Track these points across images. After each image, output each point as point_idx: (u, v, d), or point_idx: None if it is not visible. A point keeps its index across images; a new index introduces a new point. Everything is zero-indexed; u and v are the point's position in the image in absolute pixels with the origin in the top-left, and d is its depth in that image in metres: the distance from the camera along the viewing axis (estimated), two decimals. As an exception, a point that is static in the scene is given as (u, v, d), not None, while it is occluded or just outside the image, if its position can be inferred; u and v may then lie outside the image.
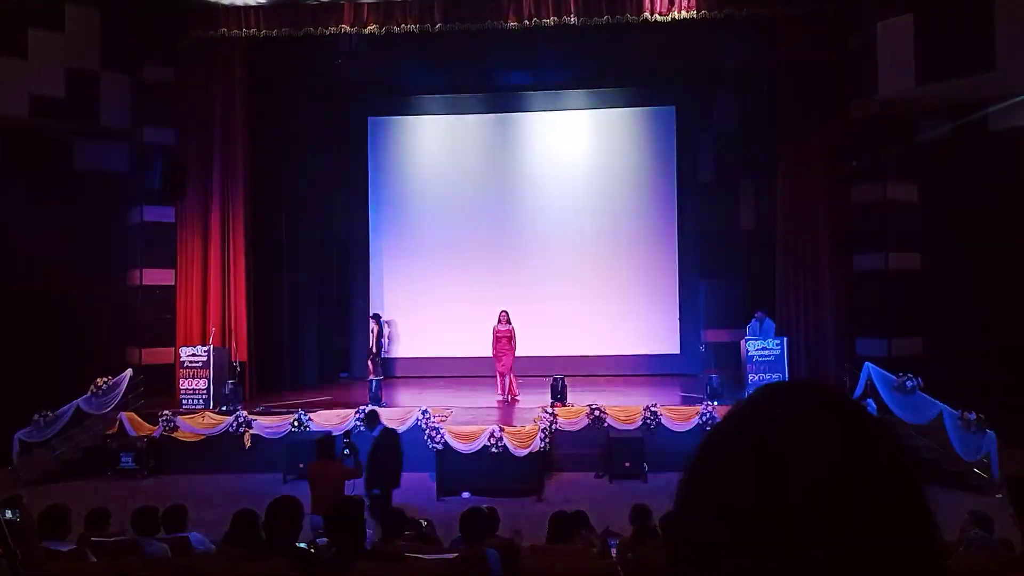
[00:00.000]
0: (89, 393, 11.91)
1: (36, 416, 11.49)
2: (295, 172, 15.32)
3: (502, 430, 10.50)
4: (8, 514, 4.43)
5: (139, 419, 11.88)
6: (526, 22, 12.54)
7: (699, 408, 11.34)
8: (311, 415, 11.63)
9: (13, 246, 12.96)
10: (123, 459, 11.45)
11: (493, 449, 10.36)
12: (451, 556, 4.56)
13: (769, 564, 0.63)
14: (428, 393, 13.50)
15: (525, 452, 10.37)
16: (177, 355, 12.69)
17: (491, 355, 12.89)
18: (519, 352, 12.83)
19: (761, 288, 13.91)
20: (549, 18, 12.49)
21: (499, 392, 12.81)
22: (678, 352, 16.05)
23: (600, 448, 11.15)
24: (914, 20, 11.46)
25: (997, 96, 11.14)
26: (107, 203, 13.87)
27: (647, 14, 12.30)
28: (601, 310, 16.09)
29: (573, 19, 12.47)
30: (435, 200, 16.81)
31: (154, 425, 11.77)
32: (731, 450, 0.69)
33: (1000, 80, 10.82)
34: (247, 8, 12.90)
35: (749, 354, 12.03)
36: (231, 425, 11.68)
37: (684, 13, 12.29)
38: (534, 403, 11.93)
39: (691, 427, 11.12)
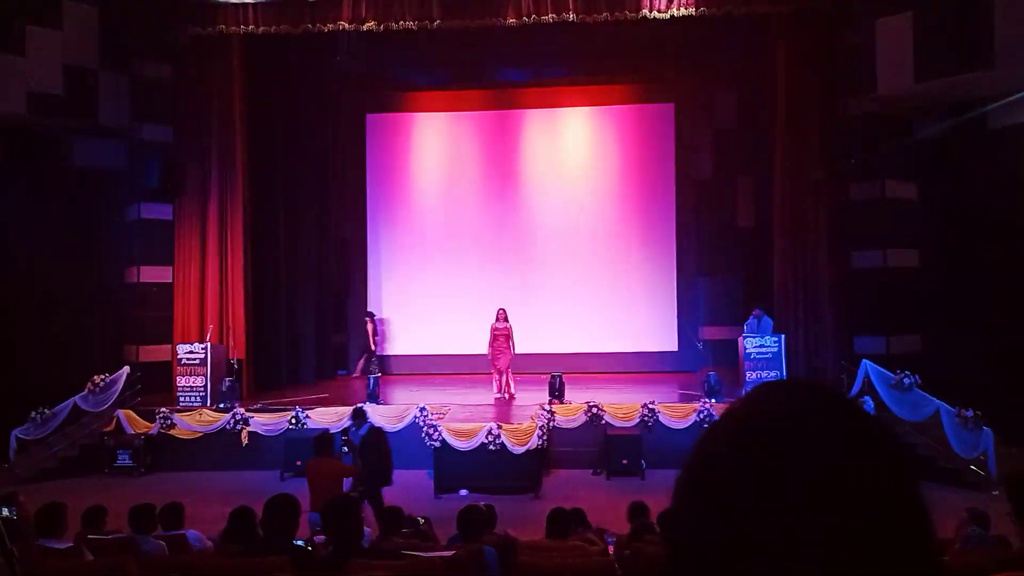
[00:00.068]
0: (86, 390, 11.89)
1: (33, 413, 11.47)
2: (293, 169, 15.31)
3: (500, 427, 10.50)
4: (5, 512, 4.43)
5: (136, 416, 11.88)
6: (525, 19, 12.52)
7: (697, 405, 11.35)
8: (308, 412, 11.63)
9: (10, 243, 12.95)
10: (120, 456, 11.44)
11: (491, 446, 10.36)
12: (448, 553, 4.56)
13: (766, 563, 0.62)
14: (426, 390, 13.51)
15: (523, 449, 10.37)
16: (174, 352, 12.67)
17: (487, 353, 12.84)
18: (517, 350, 12.81)
19: (759, 285, 13.93)
20: (548, 15, 12.46)
21: (496, 390, 12.81)
22: (676, 349, 16.07)
23: (598, 445, 11.16)
24: (913, 17, 11.47)
25: (996, 94, 11.13)
26: (104, 200, 13.86)
27: (646, 11, 12.28)
28: (599, 307, 16.10)
29: (572, 16, 12.44)
30: (433, 197, 16.81)
31: (151, 422, 11.77)
32: (728, 448, 0.69)
33: (999, 77, 10.82)
34: (245, 5, 12.87)
35: (747, 351, 12.04)
36: (228, 422, 11.67)
37: (683, 10, 12.27)
38: (532, 400, 11.94)
39: (688, 424, 11.14)
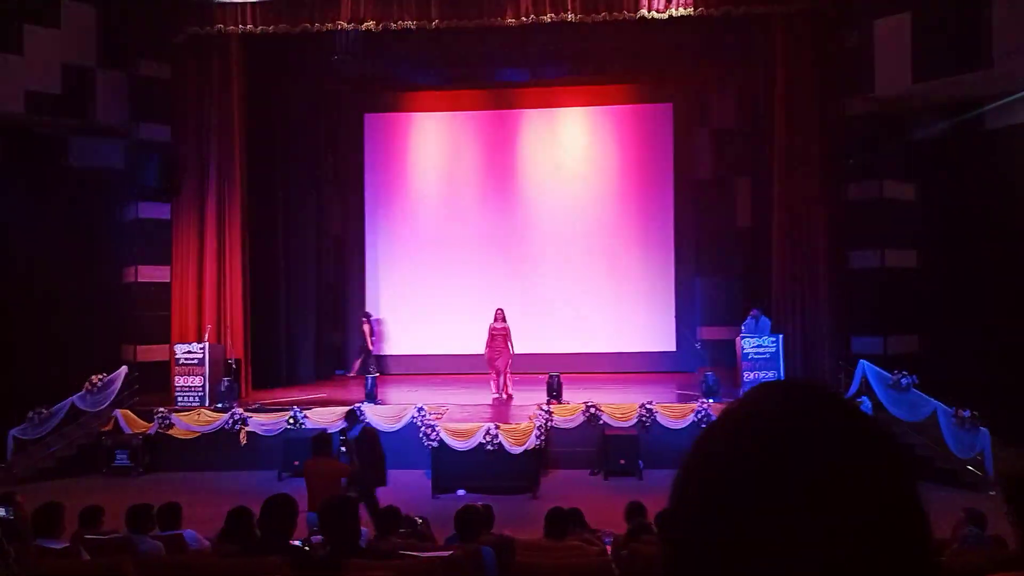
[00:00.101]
0: (84, 390, 11.87)
1: (31, 413, 11.45)
2: (291, 168, 15.31)
3: (498, 427, 10.50)
4: (2, 512, 4.42)
5: (134, 416, 11.86)
6: (523, 19, 12.52)
7: (694, 405, 11.35)
8: (307, 412, 11.62)
9: (8, 243, 12.92)
10: (118, 456, 11.43)
11: (489, 447, 10.36)
12: (446, 554, 4.56)
13: (764, 563, 0.62)
14: (424, 390, 13.51)
15: (521, 449, 10.37)
16: (172, 352, 12.65)
17: (484, 353, 12.82)
18: (515, 349, 12.79)
19: (757, 285, 13.93)
20: (546, 15, 12.47)
21: (494, 391, 12.79)
22: (674, 349, 16.08)
23: (595, 445, 11.16)
24: (911, 18, 11.48)
25: (994, 94, 11.16)
26: (102, 200, 13.84)
27: (644, 11, 12.28)
28: (597, 307, 16.11)
29: (571, 16, 12.45)
30: (431, 197, 16.82)
31: (149, 422, 11.76)
32: (726, 449, 0.69)
33: (997, 78, 10.84)
34: (243, 4, 12.86)
35: (745, 351, 12.04)
36: (226, 422, 11.67)
37: (681, 10, 12.28)
38: (530, 400, 11.93)
39: (686, 424, 11.14)
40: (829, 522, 0.62)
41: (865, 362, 11.41)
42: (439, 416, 11.19)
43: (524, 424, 10.71)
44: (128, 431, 11.73)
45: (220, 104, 13.43)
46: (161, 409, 11.85)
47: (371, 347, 15.86)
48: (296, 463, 10.18)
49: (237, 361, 13.08)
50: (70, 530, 5.49)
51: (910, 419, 10.67)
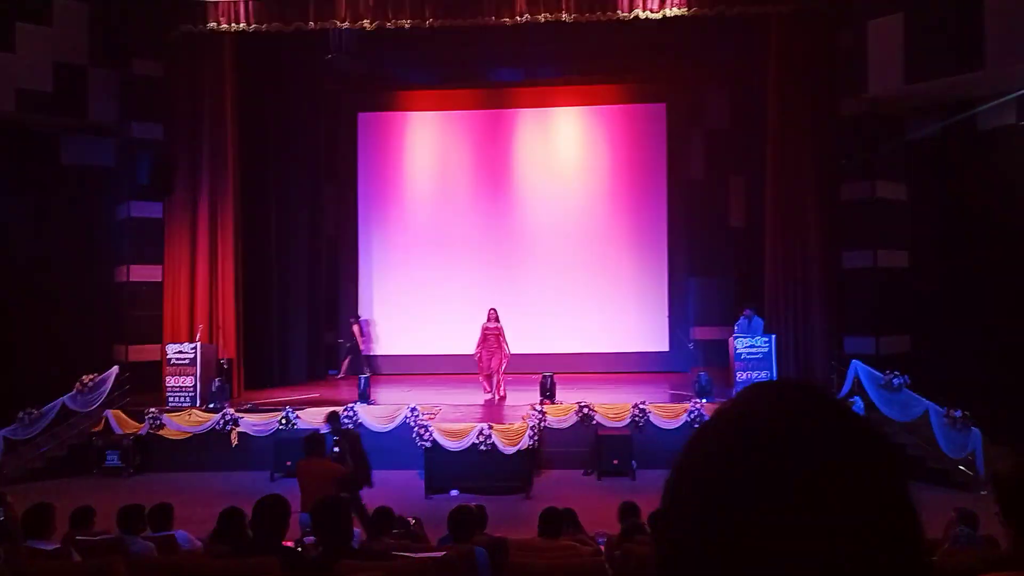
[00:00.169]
0: (75, 390, 11.81)
1: (21, 414, 11.39)
2: (284, 167, 15.27)
3: (491, 428, 10.49)
4: (-9, 512, 4.39)
5: (125, 417, 11.82)
6: (518, 18, 12.52)
7: (687, 406, 11.37)
8: (299, 413, 11.59)
9: (-2, 241, 12.88)
10: (109, 457, 11.38)
11: (482, 447, 10.35)
12: (439, 554, 4.55)
13: (755, 563, 0.62)
14: (417, 390, 13.50)
15: (514, 450, 10.37)
16: (164, 352, 12.61)
17: (474, 353, 12.78)
18: (510, 349, 12.76)
19: (750, 285, 13.98)
20: (540, 15, 12.47)
21: (486, 391, 12.74)
22: (667, 349, 16.10)
23: (589, 445, 11.17)
24: (904, 19, 11.52)
25: (987, 95, 11.20)
26: (94, 199, 13.80)
27: (638, 11, 12.30)
28: (590, 307, 16.12)
29: (565, 16, 12.46)
30: (425, 196, 16.81)
31: (140, 423, 11.71)
32: (719, 449, 0.69)
33: (989, 79, 10.89)
34: (236, 2, 12.83)
35: (737, 351, 12.07)
36: (218, 423, 11.63)
37: (675, 10, 12.30)
38: (523, 401, 11.93)
39: (679, 424, 11.15)
40: (821, 522, 0.62)
41: (857, 362, 11.44)
42: (432, 416, 11.19)
43: (517, 424, 10.71)
44: (119, 431, 11.68)
45: (213, 103, 13.39)
46: (152, 409, 11.81)
47: (362, 348, 15.84)
48: (288, 463, 10.15)
49: (229, 361, 13.05)
50: (61, 531, 5.47)
51: (902, 419, 10.70)
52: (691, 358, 14.41)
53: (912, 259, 12.75)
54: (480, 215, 16.60)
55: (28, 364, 12.55)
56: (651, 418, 11.30)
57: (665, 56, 15.14)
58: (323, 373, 16.02)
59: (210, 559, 4.61)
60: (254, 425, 11.62)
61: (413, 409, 11.29)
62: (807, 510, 0.62)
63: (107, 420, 11.76)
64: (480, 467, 10.28)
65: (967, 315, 11.91)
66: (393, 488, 9.62)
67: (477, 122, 16.85)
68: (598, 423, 11.32)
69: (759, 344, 12.08)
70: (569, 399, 11.77)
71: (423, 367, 15.86)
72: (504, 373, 12.73)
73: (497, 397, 12.58)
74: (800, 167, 12.79)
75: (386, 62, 15.48)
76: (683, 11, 12.31)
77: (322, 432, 8.34)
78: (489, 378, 12.68)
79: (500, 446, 10.36)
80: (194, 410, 11.87)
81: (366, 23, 12.65)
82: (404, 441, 10.91)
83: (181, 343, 12.55)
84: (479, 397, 12.64)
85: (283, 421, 11.53)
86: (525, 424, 10.66)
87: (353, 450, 8.24)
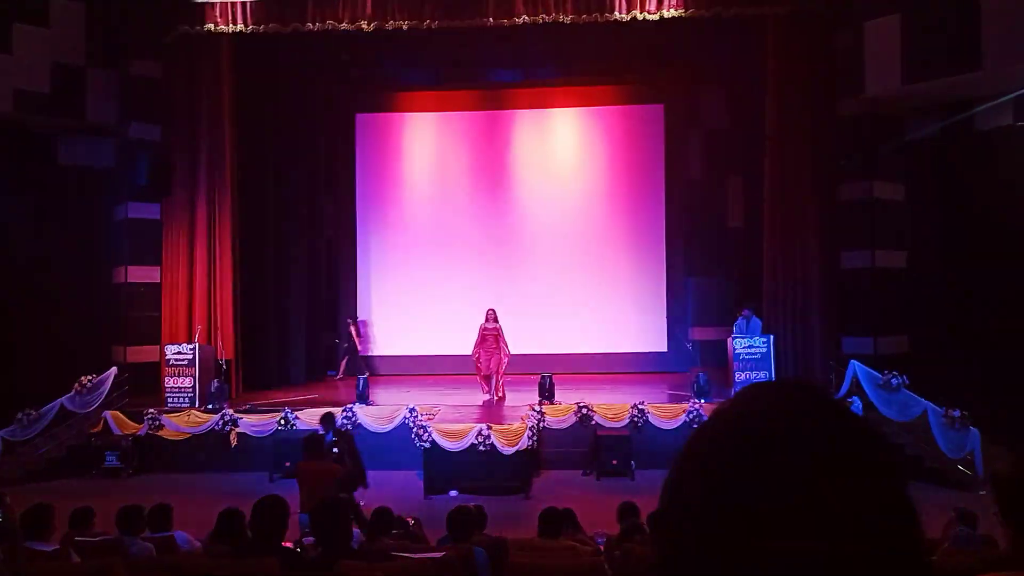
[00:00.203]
0: (73, 391, 11.80)
1: (19, 415, 11.38)
2: (282, 168, 15.26)
3: (490, 428, 10.49)
4: (-10, 513, 4.39)
5: (124, 417, 11.81)
6: (515, 19, 12.52)
7: (686, 406, 11.37)
8: (298, 413, 11.58)
9: (-4, 242, 12.87)
10: (108, 458, 11.36)
11: (481, 447, 10.35)
12: (438, 555, 4.55)
13: (756, 562, 0.62)
14: (416, 391, 13.49)
15: (513, 450, 10.37)
16: (163, 353, 12.60)
17: (471, 354, 12.77)
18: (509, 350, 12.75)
19: (748, 286, 13.97)
20: (538, 15, 12.48)
21: (485, 392, 12.72)
22: (665, 350, 16.10)
23: (588, 446, 11.17)
24: (901, 19, 11.53)
25: (984, 95, 11.22)
26: (92, 200, 13.79)
27: (636, 12, 12.31)
28: (588, 308, 16.12)
29: (562, 17, 12.46)
30: (423, 197, 16.80)
31: (139, 423, 11.70)
32: (717, 448, 0.69)
33: (987, 79, 10.90)
34: (234, 4, 12.83)
35: (736, 352, 12.07)
36: (217, 423, 11.62)
37: (673, 11, 12.31)
38: (522, 401, 11.93)
39: (678, 425, 11.16)
40: (820, 522, 0.62)
41: (856, 362, 11.45)
42: (431, 417, 11.18)
43: (516, 425, 10.71)
44: (118, 432, 11.67)
45: (211, 104, 13.38)
46: (151, 410, 11.80)
47: (359, 348, 15.84)
48: (287, 464, 10.14)
49: (228, 362, 13.05)
50: (60, 532, 5.46)
51: (900, 419, 10.71)
52: (689, 358, 14.41)
53: (910, 259, 12.76)
54: (478, 216, 16.60)
55: (27, 365, 12.54)
56: (650, 418, 11.30)
57: (663, 57, 15.16)
58: (322, 374, 16.01)
59: (209, 560, 4.61)
60: (253, 426, 11.61)
61: (412, 410, 11.29)
62: (806, 510, 0.62)
63: (106, 421, 11.75)
64: (479, 468, 10.28)
65: (966, 315, 11.92)
66: (392, 489, 9.63)
67: (475, 123, 16.85)
68: (597, 423, 11.32)
69: (757, 344, 12.09)
70: (568, 399, 11.77)
71: (422, 368, 15.85)
72: (504, 374, 12.72)
73: (496, 398, 12.57)
74: (798, 167, 12.80)
75: (384, 63, 15.48)
76: (681, 12, 12.32)
77: (320, 433, 8.33)
78: (487, 379, 12.67)
79: (499, 446, 10.36)
80: (193, 411, 11.87)
81: (363, 24, 12.65)
82: (403, 442, 10.91)
83: (180, 344, 12.54)
84: (478, 398, 12.63)
85: (282, 422, 11.52)
86: (524, 424, 10.66)
87: (348, 451, 8.24)
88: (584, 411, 11.34)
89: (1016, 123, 11.53)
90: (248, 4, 12.82)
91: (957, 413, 10.06)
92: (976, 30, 10.68)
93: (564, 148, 16.66)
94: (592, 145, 16.65)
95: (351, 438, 8.75)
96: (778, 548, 0.62)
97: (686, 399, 11.78)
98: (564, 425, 11.34)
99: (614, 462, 10.79)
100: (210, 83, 13.39)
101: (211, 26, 12.88)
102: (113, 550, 5.04)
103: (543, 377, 12.01)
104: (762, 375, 11.77)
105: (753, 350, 12.05)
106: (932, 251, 12.54)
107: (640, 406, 11.36)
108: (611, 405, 11.55)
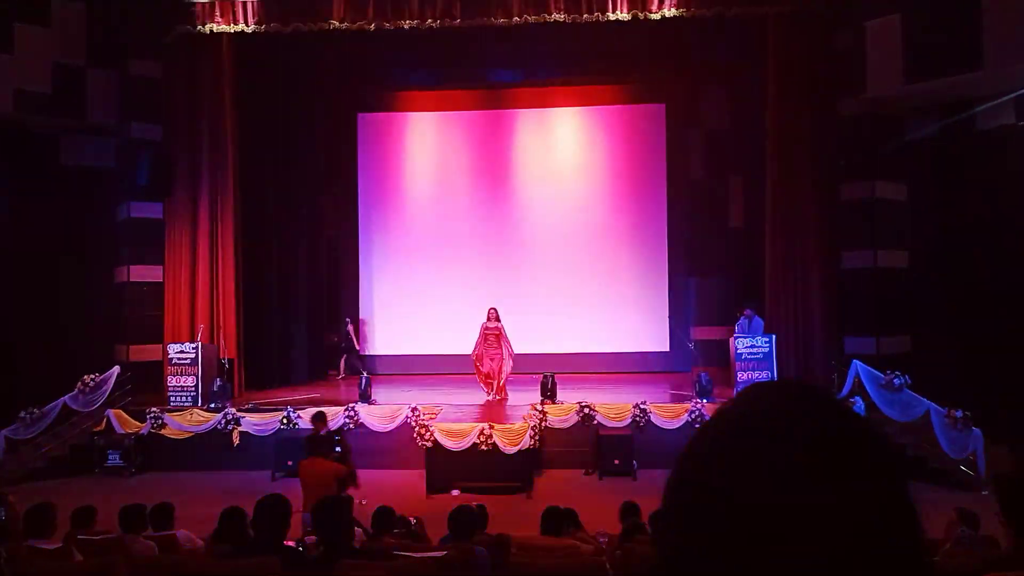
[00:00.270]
0: (76, 390, 11.81)
1: (22, 413, 11.40)
2: (284, 168, 15.27)
3: (492, 427, 10.50)
4: (-7, 512, 4.40)
5: (126, 416, 11.82)
6: (516, 19, 12.52)
7: (688, 406, 11.37)
8: (300, 412, 11.59)
9: (-1, 242, 12.88)
10: (110, 457, 11.38)
11: (483, 447, 10.36)
12: (440, 554, 4.56)
13: (758, 562, 0.62)
14: (418, 390, 13.50)
15: (515, 450, 10.37)
16: (165, 352, 12.61)
17: (471, 353, 12.76)
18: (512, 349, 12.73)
19: (750, 285, 13.96)
20: (539, 15, 12.48)
21: (487, 392, 12.72)
22: (667, 349, 16.09)
23: (589, 445, 11.16)
24: (902, 19, 11.52)
25: (985, 95, 11.21)
26: (93, 199, 13.80)
27: (637, 12, 12.30)
28: (590, 307, 16.12)
29: (563, 16, 12.46)
30: (424, 197, 16.81)
31: (142, 422, 11.72)
32: (720, 449, 0.69)
33: (988, 79, 10.89)
34: (235, 3, 12.83)
35: (738, 351, 12.06)
36: (219, 422, 11.63)
37: (673, 11, 12.31)
38: (524, 401, 11.93)
39: (680, 424, 11.16)
40: (822, 522, 0.62)
41: (858, 362, 11.44)
42: (433, 416, 11.19)
43: (518, 424, 10.71)
44: (120, 431, 11.69)
45: (212, 103, 13.40)
46: (154, 409, 11.81)
47: (358, 348, 15.85)
48: (289, 463, 10.16)
49: (230, 361, 13.06)
50: (62, 530, 5.46)
51: (903, 419, 10.69)
52: (691, 358, 14.41)
53: (912, 259, 12.75)
54: (480, 215, 16.60)
55: (29, 364, 12.55)
56: (652, 418, 11.30)
57: (664, 57, 15.15)
58: (324, 373, 16.02)
59: (211, 559, 4.61)
60: (255, 425, 11.63)
61: (414, 409, 11.29)
62: (807, 510, 0.63)
63: (108, 420, 11.77)
64: (481, 467, 10.28)
65: (968, 315, 11.90)
66: (394, 488, 9.63)
67: (476, 123, 16.85)
68: (599, 423, 11.32)
69: (759, 344, 12.08)
70: (570, 399, 11.77)
71: (424, 367, 15.86)
72: (509, 373, 12.67)
73: (498, 398, 12.57)
74: (800, 167, 12.79)
75: (385, 63, 15.48)
76: (682, 12, 12.32)
77: (324, 432, 8.34)
78: (489, 378, 12.68)
79: (501, 446, 10.36)
80: (195, 410, 11.88)
81: (364, 23, 12.64)
82: (405, 441, 10.91)
83: (182, 343, 12.56)
84: (480, 397, 12.64)
85: (284, 421, 11.54)
86: (526, 424, 10.67)
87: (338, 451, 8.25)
88: (586, 411, 11.35)
89: (1017, 122, 11.52)
90: (249, 4, 12.82)
91: (960, 413, 10.04)
92: (977, 30, 10.67)
93: (565, 148, 16.65)
94: (593, 145, 16.64)
95: (329, 436, 8.75)
96: (780, 549, 0.62)
97: (688, 399, 11.78)
98: (566, 425, 11.34)
99: (616, 462, 10.79)
100: (211, 83, 13.40)
101: (212, 26, 12.89)
102: (115, 549, 5.04)
103: (545, 377, 12.01)
104: (764, 375, 11.76)
105: (755, 350, 12.04)
106: (934, 251, 12.53)
107: (642, 406, 11.36)
108: (613, 405, 11.55)
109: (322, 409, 9.78)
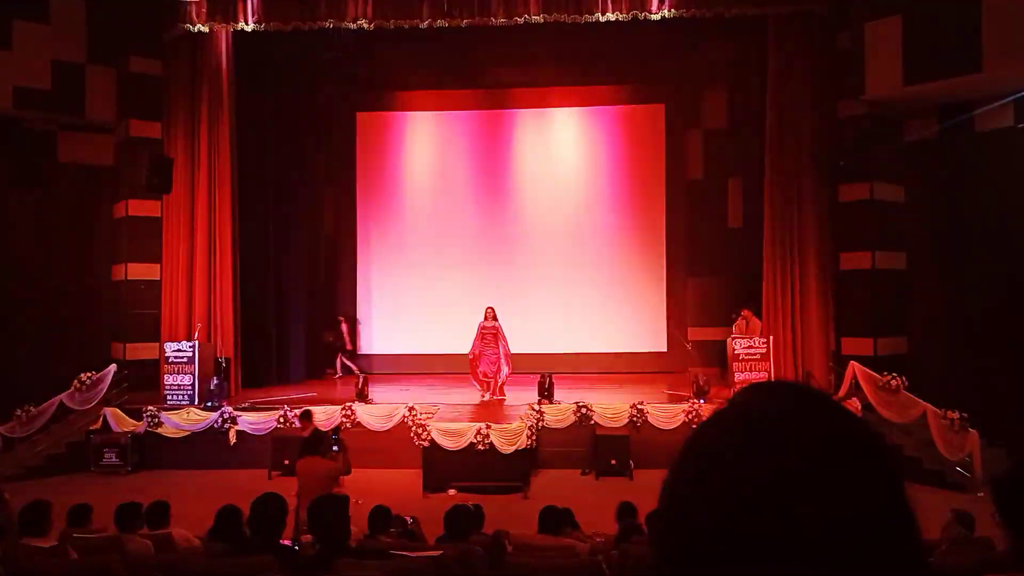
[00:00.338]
0: (72, 388, 11.81)
1: (18, 411, 11.38)
2: (282, 166, 15.25)
3: (489, 427, 10.50)
4: (-12, 510, 4.39)
5: (123, 415, 11.81)
6: (516, 19, 12.52)
7: (685, 406, 11.37)
8: (297, 411, 11.57)
9: (-4, 239, 12.86)
10: (106, 455, 11.38)
11: (480, 446, 10.36)
12: (437, 553, 4.55)
13: (754, 563, 0.62)
14: (415, 390, 13.49)
15: (512, 449, 10.37)
16: (162, 350, 12.60)
17: (468, 353, 12.76)
18: (510, 348, 12.71)
19: (748, 286, 13.96)
20: (539, 15, 12.47)
21: (483, 391, 12.70)
22: (665, 350, 16.09)
23: (586, 445, 11.16)
24: (902, 21, 11.53)
25: (984, 97, 11.21)
26: (92, 196, 13.79)
27: (637, 12, 12.30)
28: (588, 307, 16.12)
29: (563, 16, 12.46)
30: (423, 196, 16.80)
31: (138, 421, 11.71)
32: (717, 449, 0.69)
33: (987, 81, 10.90)
34: (235, 1, 12.81)
35: (735, 352, 12.08)
36: (216, 421, 11.63)
37: (673, 11, 12.31)
38: (521, 401, 11.93)
39: (677, 425, 11.16)
40: (818, 522, 0.62)
41: (855, 363, 11.45)
42: (430, 415, 11.18)
43: (515, 424, 10.71)
44: (117, 429, 11.67)
45: (210, 101, 13.38)
46: (150, 407, 11.80)
47: (349, 347, 15.84)
48: (286, 462, 10.15)
49: (227, 359, 13.04)
50: (58, 528, 5.46)
51: (899, 421, 10.71)
52: (689, 358, 14.41)
53: (910, 260, 12.76)
54: (478, 215, 16.59)
55: (26, 361, 12.53)
56: (649, 418, 11.30)
57: (663, 57, 15.16)
58: (321, 372, 16.01)
59: (207, 557, 4.61)
60: (252, 423, 11.62)
61: (411, 408, 11.29)
62: (805, 511, 0.62)
63: (105, 418, 11.75)
64: (478, 467, 10.29)
65: (965, 317, 11.91)
66: (390, 487, 9.63)
67: (475, 122, 16.84)
68: (596, 423, 11.32)
69: (757, 345, 12.09)
70: (567, 399, 11.77)
71: (421, 366, 15.85)
72: (499, 377, 12.66)
73: (495, 398, 12.56)
74: (798, 168, 12.80)
75: (384, 62, 15.47)
76: (681, 12, 12.32)
77: (322, 431, 8.33)
78: (485, 377, 12.67)
79: (498, 446, 10.37)
80: (192, 408, 11.87)
81: (364, 23, 12.64)
82: (402, 440, 10.90)
83: (179, 341, 12.55)
84: (477, 397, 12.63)
85: (281, 420, 11.53)
86: (523, 424, 10.67)
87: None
88: (583, 411, 11.34)
89: (1017, 125, 11.53)
90: (249, 2, 12.80)
91: (956, 415, 10.06)
92: (976, 32, 10.68)
93: (564, 148, 16.65)
94: (592, 145, 16.64)
95: (324, 436, 8.74)
96: (777, 549, 0.62)
97: (685, 399, 11.78)
98: (563, 425, 11.34)
99: (613, 462, 10.79)
100: (210, 81, 13.38)
101: (211, 24, 12.87)
102: (111, 547, 5.03)
103: (542, 377, 12.01)
104: (761, 375, 11.77)
105: (752, 350, 12.05)
106: (932, 252, 12.54)
107: (639, 406, 11.37)
108: (610, 405, 11.55)
109: (308, 408, 9.78)
